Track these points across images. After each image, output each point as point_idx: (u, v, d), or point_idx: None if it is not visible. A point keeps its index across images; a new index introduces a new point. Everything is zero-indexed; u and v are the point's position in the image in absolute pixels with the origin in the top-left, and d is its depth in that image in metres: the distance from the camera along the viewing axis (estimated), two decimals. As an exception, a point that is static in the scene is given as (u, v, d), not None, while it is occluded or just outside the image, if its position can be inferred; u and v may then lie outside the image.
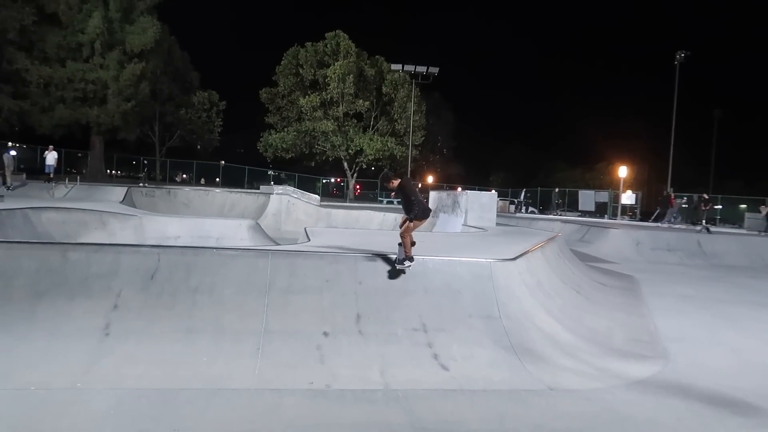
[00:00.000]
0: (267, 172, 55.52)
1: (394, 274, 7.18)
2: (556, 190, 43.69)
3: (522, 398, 5.55)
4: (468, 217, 16.91)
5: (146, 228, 15.58)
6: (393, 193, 7.97)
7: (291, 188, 28.71)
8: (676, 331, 8.63)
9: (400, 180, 6.82)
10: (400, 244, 7.07)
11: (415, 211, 6.77)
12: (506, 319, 6.98)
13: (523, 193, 43.82)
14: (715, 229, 25.49)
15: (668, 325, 9.06)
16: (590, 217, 33.68)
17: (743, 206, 35.23)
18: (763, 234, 24.92)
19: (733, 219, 33.78)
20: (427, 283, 7.26)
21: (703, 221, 26.93)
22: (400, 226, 7.01)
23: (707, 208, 29.11)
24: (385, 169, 6.59)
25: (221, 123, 57.28)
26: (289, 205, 25.84)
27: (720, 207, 36.60)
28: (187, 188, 31.03)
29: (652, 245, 20.10)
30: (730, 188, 42.89)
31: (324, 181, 56.51)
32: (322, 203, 27.84)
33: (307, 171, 55.64)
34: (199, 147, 58.99)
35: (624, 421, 5.18)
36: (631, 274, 14.68)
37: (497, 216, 18.36)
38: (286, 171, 54.95)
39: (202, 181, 51.80)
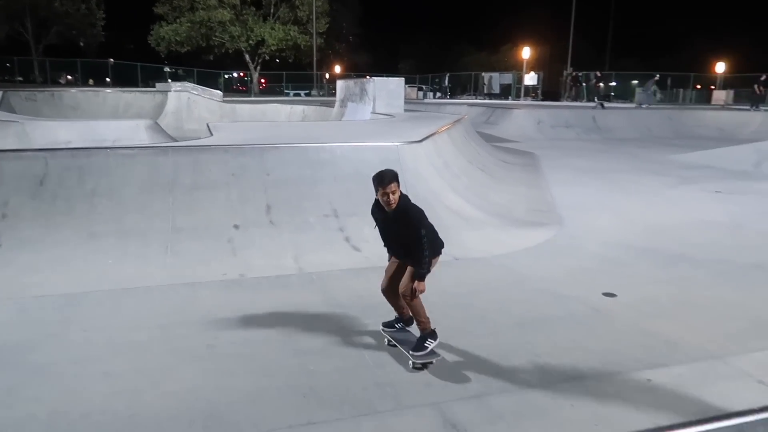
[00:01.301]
0: (162, 68, 51.59)
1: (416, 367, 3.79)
2: (445, 75, 43.72)
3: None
4: (376, 104, 16.77)
5: (31, 135, 14.22)
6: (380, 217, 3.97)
7: (190, 84, 27.00)
8: (571, 200, 9.30)
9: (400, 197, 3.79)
10: (399, 325, 4.12)
11: (425, 254, 3.72)
12: (415, 200, 7.15)
13: (447, 78, 43.40)
14: (609, 104, 26.88)
15: (564, 194, 9.73)
16: (496, 99, 34.41)
17: (635, 82, 37.12)
18: (649, 107, 26.59)
19: (626, 95, 35.66)
20: (336, 171, 7.27)
21: (596, 98, 28.25)
22: (387, 288, 4.03)
23: (599, 85, 30.51)
24: (387, 170, 3.79)
25: (104, 16, 51.76)
26: (189, 103, 24.43)
27: (614, 84, 38.42)
28: (73, 90, 28.36)
29: (552, 123, 21.01)
30: (625, 65, 44.83)
31: (226, 75, 53.33)
32: (226, 99, 26.52)
33: (207, 66, 52.17)
34: (82, 44, 53.41)
35: (523, 281, 5.65)
36: (532, 151, 15.41)
37: (406, 102, 18.34)
38: (184, 67, 51.31)
39: (91, 81, 47.41)
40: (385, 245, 4.16)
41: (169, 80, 38.08)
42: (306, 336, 4.29)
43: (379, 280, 4.13)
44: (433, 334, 3.86)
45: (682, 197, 9.75)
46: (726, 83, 35.59)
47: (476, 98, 35.32)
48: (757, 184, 10.94)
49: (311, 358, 3.92)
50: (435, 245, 3.89)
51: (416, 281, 3.76)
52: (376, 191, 3.79)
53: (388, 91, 17.25)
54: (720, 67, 38.02)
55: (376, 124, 12.66)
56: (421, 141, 8.29)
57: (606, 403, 3.31)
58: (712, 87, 35.70)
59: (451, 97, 38.15)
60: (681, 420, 3.08)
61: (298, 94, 42.59)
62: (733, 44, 45.83)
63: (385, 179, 3.73)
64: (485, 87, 38.86)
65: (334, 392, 3.47)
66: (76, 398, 3.40)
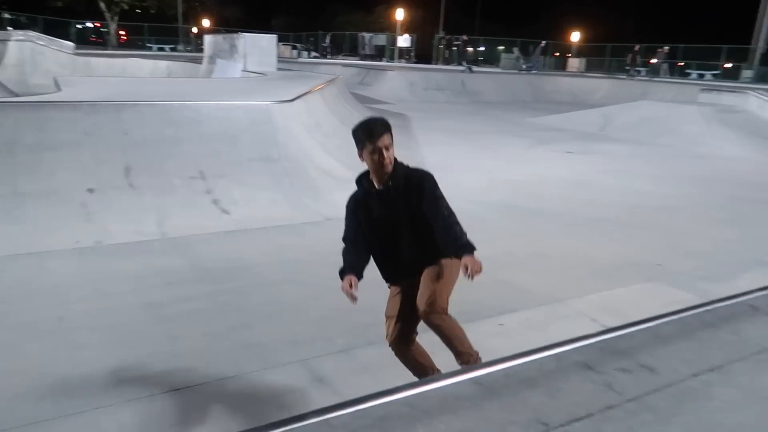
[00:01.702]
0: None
1: None
2: (327, 35, 42.99)
3: (301, 230, 5.88)
4: (247, 62, 16.10)
5: None
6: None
7: (35, 34, 24.04)
8: (440, 160, 9.66)
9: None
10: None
11: (457, 222, 2.71)
12: (286, 160, 7.09)
13: (329, 38, 41.95)
14: (477, 69, 28.04)
15: (434, 154, 10.08)
16: (371, 60, 34.48)
17: (501, 48, 38.93)
18: (529, 72, 28.02)
19: (493, 59, 37.35)
20: (203, 130, 6.93)
21: (464, 62, 29.34)
22: (402, 333, 2.82)
23: (468, 49, 31.69)
24: (374, 118, 2.79)
25: None
26: (34, 54, 21.80)
27: (482, 48, 40.03)
28: None
29: (424, 86, 21.55)
30: (493, 31, 46.71)
31: (79, 26, 48.22)
32: (79, 51, 24.02)
33: (55, 13, 46.78)
34: None
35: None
36: (404, 113, 15.74)
37: (279, 61, 17.81)
38: (27, 13, 45.55)
39: None
40: (383, 266, 2.85)
41: (9, 28, 33.64)
42: (169, 303, 4.13)
43: (248, 242, 4.04)
44: None
45: (538, 157, 10.54)
46: (580, 52, 38.44)
47: (351, 59, 35.11)
48: (602, 145, 12.10)
49: (175, 325, 3.79)
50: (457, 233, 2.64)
51: (466, 260, 2.46)
52: (360, 151, 2.66)
53: (259, 48, 16.62)
54: (575, 36, 40.97)
55: (247, 83, 12.20)
56: (292, 100, 8.13)
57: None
58: (569, 55, 38.42)
59: (330, 57, 37.57)
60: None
61: (163, 49, 39.53)
62: (589, 15, 49.52)
63: (375, 130, 2.60)
64: (366, 47, 38.67)
65: (199, 358, 3.39)
66: None
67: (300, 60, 32.69)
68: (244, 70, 15.46)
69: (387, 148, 2.59)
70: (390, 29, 44.44)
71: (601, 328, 3.52)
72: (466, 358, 2.67)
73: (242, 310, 4.04)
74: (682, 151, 11.77)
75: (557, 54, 38.66)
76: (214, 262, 4.91)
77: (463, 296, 4.38)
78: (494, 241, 5.81)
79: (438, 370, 2.70)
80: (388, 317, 2.79)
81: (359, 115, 12.49)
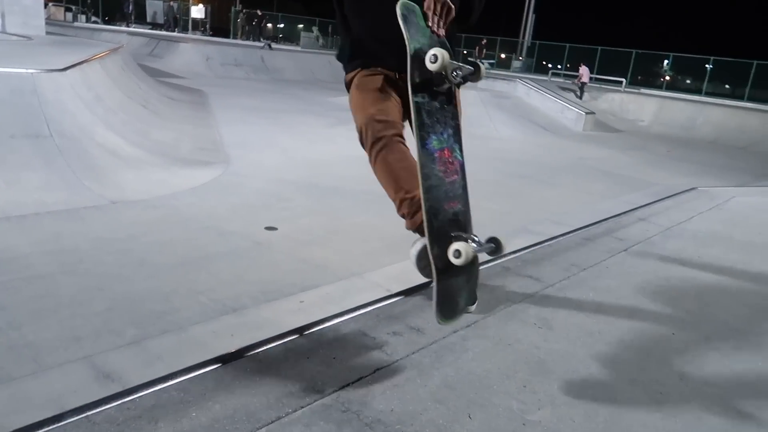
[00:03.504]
0: None
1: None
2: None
3: (81, 215, 5.30)
4: (6, 22, 13.84)
5: None
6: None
7: None
8: (238, 139, 9.42)
9: None
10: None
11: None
12: (59, 137, 6.29)
13: (130, 4, 37.05)
14: (277, 46, 27.70)
15: (232, 133, 9.78)
16: (161, 30, 31.96)
17: (300, 26, 38.90)
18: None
19: (292, 38, 37.18)
20: (-55, 100, 5.82)
21: (261, 38, 28.81)
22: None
23: (265, 25, 31.23)
24: None
25: None
26: None
27: (281, 25, 39.59)
28: None
29: (221, 60, 20.68)
30: (291, 9, 46.38)
31: None
32: None
33: None
34: None
35: (187, 220, 5.55)
36: (200, 89, 14.96)
37: (49, 24, 15.62)
38: None
39: None
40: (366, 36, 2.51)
41: None
42: None
43: (15, 230, 3.51)
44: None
45: (337, 136, 10.80)
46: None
47: (140, 27, 32.11)
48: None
49: None
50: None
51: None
52: None
53: (22, 6, 14.34)
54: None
55: (8, 46, 10.49)
56: (64, 69, 7.20)
57: (263, 327, 3.54)
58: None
59: (109, 23, 33.80)
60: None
61: None
62: None
63: None
64: (148, 15, 35.49)
65: (-50, 367, 2.89)
66: None
67: (76, 25, 29.01)
68: (3, 32, 13.28)
69: None
70: (182, -2, 41.57)
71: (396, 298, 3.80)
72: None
73: (8, 308, 3.53)
74: (466, 132, 13.02)
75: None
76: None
77: (266, 276, 4.39)
78: (294, 219, 5.87)
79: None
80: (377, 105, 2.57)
81: (149, 88, 11.57)
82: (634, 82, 26.62)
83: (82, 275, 4.03)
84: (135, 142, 7.46)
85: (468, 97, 15.34)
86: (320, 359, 1.85)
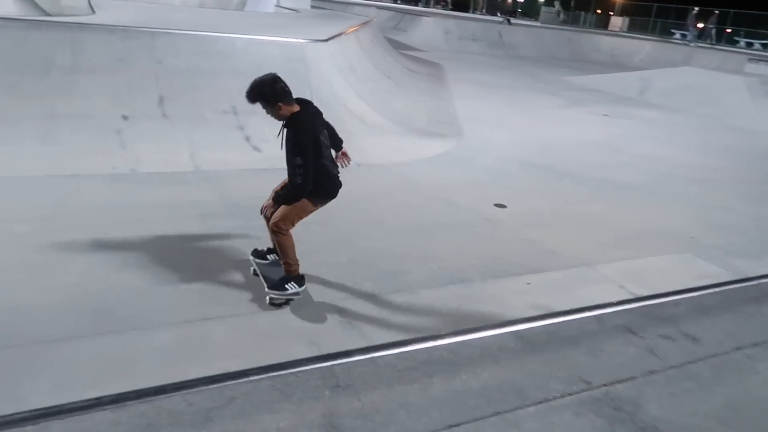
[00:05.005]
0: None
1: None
2: None
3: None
4: (281, -3, 15.77)
5: None
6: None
7: (66, -49, 23.63)
8: (471, 113, 9.53)
9: (288, 113, 3.33)
10: (268, 254, 3.72)
11: (299, 179, 3.27)
12: (318, 102, 6.95)
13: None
14: (515, 21, 27.17)
15: (465, 107, 9.93)
16: (405, 4, 33.55)
17: (541, 0, 37.54)
18: (687, 44, 26.44)
19: (531, 12, 36.11)
20: (236, 64, 6.85)
21: (498, 13, 28.37)
22: (265, 209, 3.49)
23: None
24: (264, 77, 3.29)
25: None
26: (66, -26, 21.53)
27: (521, 0, 38.64)
28: None
29: (459, 35, 20.98)
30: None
31: (110, -54, 47.22)
32: (110, -26, 23.64)
33: (87, -68, 45.66)
34: None
35: (419, 188, 5.82)
36: (438, 62, 15.40)
37: (312, -2, 17.41)
38: (59, -70, 44.54)
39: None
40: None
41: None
42: (202, 234, 4.20)
43: (277, 181, 4.05)
44: (298, 278, 3.37)
45: (572, 117, 10.30)
46: (624, 10, 36.95)
47: (388, 1, 34.12)
48: (639, 110, 11.78)
49: (208, 256, 3.87)
50: (322, 183, 3.46)
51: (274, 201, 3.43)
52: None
53: (294, -18, 16.24)
54: (619, -6, 39.26)
55: (281, 18, 11.98)
56: (327, 40, 7.98)
57: (488, 303, 3.58)
58: (611, 12, 36.96)
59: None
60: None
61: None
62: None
63: (258, 97, 3.33)
64: None
65: (230, 290, 3.47)
66: (-57, 291, 3.15)
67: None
68: (278, 6, 15.15)
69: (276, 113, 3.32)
70: (427, -27, 42.91)
71: (629, 296, 3.53)
72: (288, 267, 3.40)
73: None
74: (723, 122, 11.43)
75: (599, 11, 37.20)
76: (244, 198, 4.94)
77: (493, 252, 4.42)
78: (520, 199, 5.78)
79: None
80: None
81: (393, 60, 12.26)
82: None
83: (331, 228, 4.48)
84: (379, 110, 8.00)
85: (730, 83, 13.36)
86: (585, 349, 1.79)
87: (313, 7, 16.37)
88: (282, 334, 3.06)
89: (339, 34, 8.73)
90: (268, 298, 3.34)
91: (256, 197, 4.97)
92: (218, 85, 6.58)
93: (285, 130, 3.35)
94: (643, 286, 3.80)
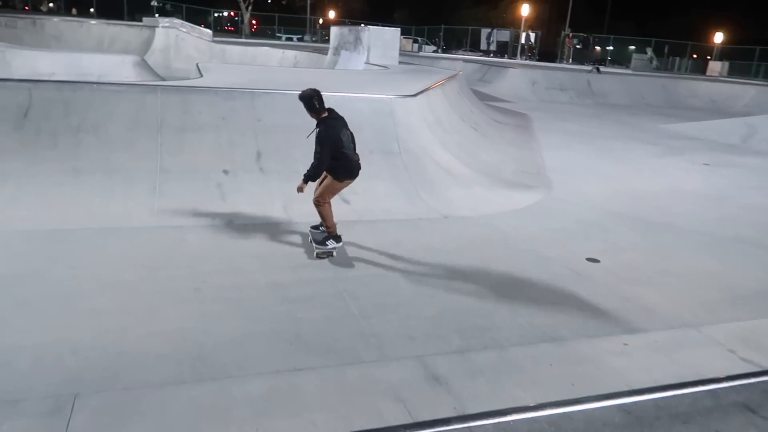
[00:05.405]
0: (150, 2, 49.71)
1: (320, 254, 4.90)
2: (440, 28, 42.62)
3: (417, 225, 5.92)
4: (370, 54, 16.43)
5: (12, 63, 13.79)
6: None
7: (179, 21, 26.02)
8: (560, 164, 9.34)
9: (319, 116, 4.81)
10: (321, 228, 4.99)
11: (315, 162, 4.74)
12: (405, 154, 7.17)
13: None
14: (605, 69, 26.65)
15: (554, 158, 9.75)
16: (492, 56, 33.91)
17: (632, 47, 36.73)
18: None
19: (622, 60, 35.33)
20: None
21: (588, 62, 27.92)
22: (298, 190, 4.82)
23: (595, 48, 30.09)
24: (310, 91, 4.70)
25: (88, -59, 49.26)
26: (177, 41, 23.65)
27: (611, 48, 37.98)
28: (56, 18, 27.28)
29: (546, 85, 20.83)
30: (623, 29, 44.16)
31: (216, 14, 51.64)
32: (215, 39, 25.75)
33: (196, 2, 50.35)
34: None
35: (507, 240, 5.72)
36: (525, 112, 15.33)
37: (400, 54, 18.00)
38: (172, 1, 49.47)
39: (73, 11, 45.62)
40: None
41: (157, 14, 36.76)
42: (294, 284, 4.34)
43: (366, 233, 4.14)
44: (336, 237, 4.87)
45: (668, 167, 9.83)
46: (722, 54, 35.32)
47: (474, 54, 34.70)
48: (744, 158, 11.05)
49: (298, 306, 3.97)
50: (340, 165, 4.80)
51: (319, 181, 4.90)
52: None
53: (383, 41, 16.90)
54: (718, 38, 37.66)
55: (370, 75, 12.45)
56: (414, 95, 8.19)
57: (583, 364, 3.41)
58: (709, 57, 35.42)
59: (444, 52, 37.42)
60: (654, 384, 3.19)
61: (291, 39, 41.47)
62: (729, 14, 45.25)
63: (308, 105, 4.81)
64: (488, 44, 38.02)
65: (320, 340, 3.53)
66: (63, 333, 3.43)
67: (420, 54, 32.83)
68: (367, 63, 15.80)
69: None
70: (513, 25, 43.38)
71: (738, 361, 3.24)
72: (328, 229, 4.88)
73: (360, 299, 4.15)
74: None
75: (695, 56, 35.81)
76: (335, 250, 5.08)
77: (586, 309, 4.23)
78: (617, 253, 5.53)
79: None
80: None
81: (479, 112, 12.35)
82: None
83: (417, 281, 4.49)
84: (465, 161, 8.03)
85: None
86: (698, 428, 1.64)
87: (401, 62, 16.90)
88: (369, 389, 3.05)
89: (426, 89, 8.94)
90: (315, 253, 4.85)
91: (345, 249, 5.11)
92: (311, 140, 6.88)
93: (317, 129, 4.74)
94: (756, 351, 3.48)
